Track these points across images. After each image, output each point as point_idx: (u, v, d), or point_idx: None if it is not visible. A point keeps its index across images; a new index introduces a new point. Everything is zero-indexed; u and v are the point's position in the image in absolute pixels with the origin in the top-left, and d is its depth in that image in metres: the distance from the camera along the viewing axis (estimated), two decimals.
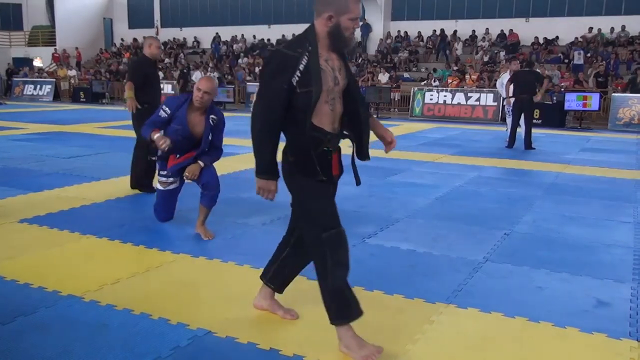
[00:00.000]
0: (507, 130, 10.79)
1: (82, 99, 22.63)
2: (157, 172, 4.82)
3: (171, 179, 4.68)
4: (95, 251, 4.13)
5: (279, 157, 2.60)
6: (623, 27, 20.72)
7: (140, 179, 6.13)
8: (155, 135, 4.42)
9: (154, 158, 4.84)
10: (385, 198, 6.05)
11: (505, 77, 11.34)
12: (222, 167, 7.65)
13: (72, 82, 25.37)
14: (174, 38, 29.95)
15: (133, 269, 3.74)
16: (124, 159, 8.25)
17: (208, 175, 4.58)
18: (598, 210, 5.69)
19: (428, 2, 24.58)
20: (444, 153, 9.52)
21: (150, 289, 3.44)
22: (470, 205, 5.80)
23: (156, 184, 4.83)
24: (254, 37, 27.44)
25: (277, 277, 3.04)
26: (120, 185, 6.36)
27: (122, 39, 31.32)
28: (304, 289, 3.35)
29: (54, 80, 24.74)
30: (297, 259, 2.99)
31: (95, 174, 7.06)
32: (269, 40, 27.16)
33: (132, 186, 6.20)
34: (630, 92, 15.66)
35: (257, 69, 23.35)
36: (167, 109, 4.50)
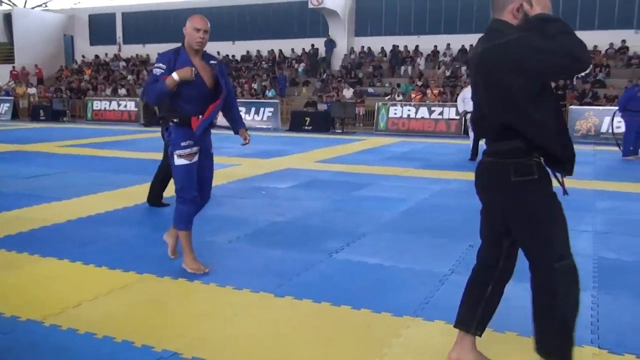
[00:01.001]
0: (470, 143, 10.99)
1: (42, 117, 22.17)
2: (172, 145, 3.96)
3: (195, 148, 3.95)
4: (56, 273, 4.03)
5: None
6: None
7: (158, 196, 6.27)
8: (175, 75, 3.73)
9: (172, 123, 3.95)
10: (352, 212, 6.07)
11: (467, 91, 11.56)
12: None
13: (32, 100, 24.84)
14: (137, 54, 29.67)
15: (96, 291, 3.66)
16: (85, 179, 8.12)
17: (208, 176, 4.13)
18: None
19: (390, 18, 24.97)
20: (409, 167, 9.63)
21: (113, 311, 3.37)
22: (436, 217, 5.87)
23: (179, 161, 3.94)
24: (218, 53, 27.37)
25: (484, 321, 2.67)
26: (82, 205, 6.24)
27: (83, 56, 30.88)
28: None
29: (12, 98, 24.18)
30: (501, 295, 2.69)
31: (56, 194, 6.90)
32: (233, 56, 27.15)
33: (152, 203, 6.26)
34: (584, 105, 16.15)
35: None
36: (161, 64, 3.83)
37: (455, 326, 2.64)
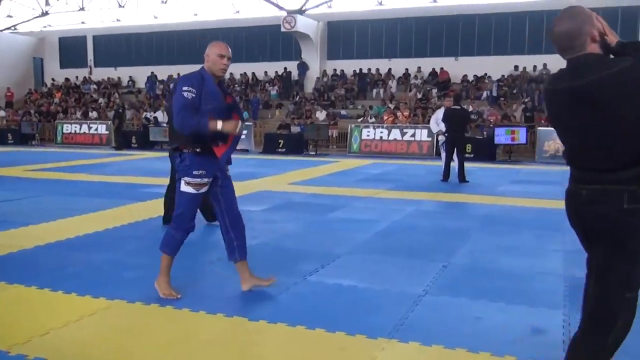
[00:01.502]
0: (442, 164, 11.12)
1: (9, 141, 21.75)
2: (182, 171, 3.82)
3: (206, 179, 3.83)
4: (23, 301, 3.92)
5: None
6: (545, 65, 21.98)
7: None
8: (220, 125, 3.63)
9: (189, 150, 3.79)
10: (326, 234, 6.07)
11: (439, 112, 11.75)
12: (159, 207, 7.50)
13: (0, 123, 24.39)
14: (108, 78, 29.45)
15: (65, 318, 3.56)
16: (54, 203, 7.96)
17: (233, 197, 4.00)
18: (530, 239, 5.90)
19: (362, 42, 25.32)
20: (382, 188, 9.68)
21: (83, 338, 3.28)
22: (409, 238, 5.90)
23: (185, 188, 3.82)
24: None
25: None
26: (51, 230, 6.11)
27: (53, 79, 30.50)
28: None
29: None
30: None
31: (24, 219, 6.74)
32: None
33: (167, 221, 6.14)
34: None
35: None
36: (192, 88, 3.68)
37: None
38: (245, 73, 26.22)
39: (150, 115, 22.22)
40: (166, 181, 10.43)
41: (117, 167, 13.43)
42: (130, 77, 29.07)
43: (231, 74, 26.77)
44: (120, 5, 28.72)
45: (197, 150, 3.77)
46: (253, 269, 4.70)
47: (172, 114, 3.73)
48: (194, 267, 4.78)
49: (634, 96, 2.20)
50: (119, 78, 29.46)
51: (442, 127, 10.73)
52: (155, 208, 7.47)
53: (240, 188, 9.45)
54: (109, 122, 21.01)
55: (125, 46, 29.57)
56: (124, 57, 29.42)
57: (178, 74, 27.16)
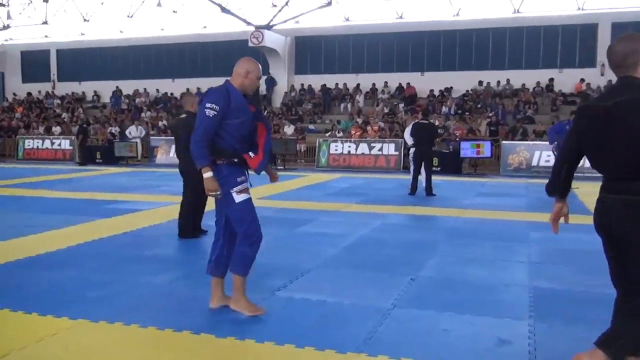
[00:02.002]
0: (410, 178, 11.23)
1: None
2: (226, 184, 3.80)
3: (247, 183, 3.88)
4: None
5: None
6: (508, 80, 22.50)
7: (187, 226, 6.53)
8: (207, 175, 3.69)
9: (223, 162, 3.80)
10: (294, 249, 6.05)
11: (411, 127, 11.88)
12: (125, 224, 7.38)
13: None
14: (72, 92, 28.96)
15: (24, 340, 3.46)
16: (15, 220, 7.75)
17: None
18: (495, 251, 5.99)
19: (330, 57, 25.51)
20: (350, 202, 9.72)
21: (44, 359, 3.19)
22: (377, 252, 5.92)
23: (240, 197, 3.81)
24: (158, 90, 27.13)
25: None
26: (11, 249, 5.93)
27: (14, 94, 29.83)
28: None
29: None
30: None
31: None
32: (172, 94, 26.95)
33: (182, 235, 6.52)
34: (516, 140, 16.90)
35: (160, 123, 22.97)
36: (215, 105, 3.69)
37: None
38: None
39: (116, 130, 21.92)
40: (132, 197, 10.30)
41: (81, 183, 13.17)
42: (95, 91, 28.63)
43: (198, 88, 26.65)
44: (84, 19, 28.34)
45: (235, 160, 3.81)
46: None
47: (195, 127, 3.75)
48: (158, 284, 4.70)
49: None
50: (83, 92, 28.99)
51: (409, 141, 10.86)
52: (121, 224, 7.35)
53: (208, 203, 9.36)
54: (73, 137, 20.63)
55: (90, 60, 29.13)
56: (88, 71, 28.97)
57: (144, 89, 27.00)
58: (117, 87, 27.34)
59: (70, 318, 3.82)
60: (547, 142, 15.89)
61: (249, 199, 3.88)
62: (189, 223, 6.58)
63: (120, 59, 28.35)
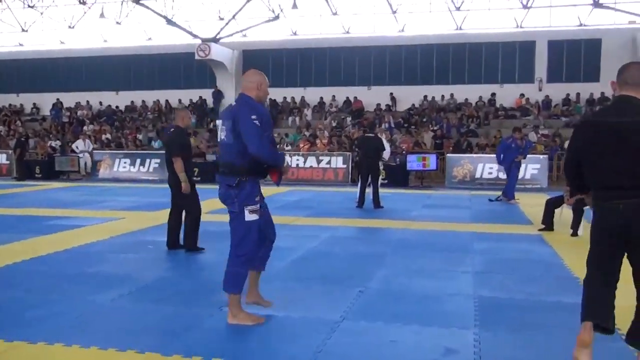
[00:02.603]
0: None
1: None
2: (244, 199, 3.90)
3: (259, 204, 3.99)
4: None
5: None
6: (452, 95, 23.12)
7: (176, 240, 6.59)
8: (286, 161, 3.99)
9: (244, 179, 3.90)
10: None
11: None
12: (66, 240, 7.13)
13: None
14: (10, 104, 27.87)
15: None
16: None
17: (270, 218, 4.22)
18: (441, 262, 6.09)
19: (277, 71, 25.55)
20: (299, 215, 9.71)
21: None
22: (326, 265, 5.93)
23: (250, 216, 3.91)
24: (101, 103, 26.47)
25: None
26: None
27: None
28: None
29: None
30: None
31: None
32: (117, 107, 26.35)
33: (171, 246, 6.57)
34: (460, 153, 17.37)
35: (104, 137, 22.39)
36: (259, 118, 3.80)
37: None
38: (158, 100, 25.72)
39: (57, 144, 21.21)
40: (74, 212, 9.97)
41: (19, 198, 12.66)
42: (34, 103, 27.68)
43: (143, 101, 26.17)
44: (23, 29, 27.43)
45: (258, 177, 3.96)
46: (166, 301, 4.57)
47: (249, 139, 3.76)
48: (100, 302, 4.55)
49: None
50: (21, 105, 27.96)
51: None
52: (61, 241, 7.10)
53: (153, 218, 9.18)
54: (10, 152, 19.81)
55: (29, 71, 28.12)
56: (27, 83, 27.96)
57: (87, 101, 26.28)
58: (57, 99, 26.52)
59: (6, 341, 3.65)
60: (491, 155, 16.46)
61: (258, 221, 3.98)
62: (196, 238, 6.58)
63: (61, 70, 27.51)
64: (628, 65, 3.14)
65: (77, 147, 19.69)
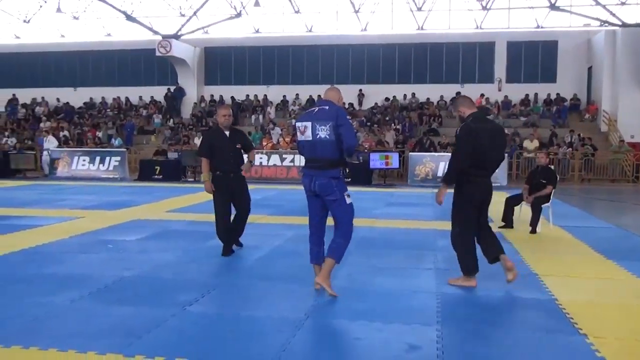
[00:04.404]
0: None
1: None
2: (343, 187, 4.65)
3: None
4: None
5: None
6: (413, 94, 23.39)
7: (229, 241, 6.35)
8: None
9: (341, 170, 4.66)
10: (205, 263, 5.93)
11: None
12: (21, 241, 6.92)
13: None
14: None
15: None
16: None
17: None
18: (404, 259, 6.16)
19: (240, 68, 25.41)
20: (263, 214, 9.66)
21: None
22: (290, 263, 5.91)
23: (349, 200, 4.68)
24: (58, 99, 25.81)
25: None
26: None
27: None
28: None
29: None
30: None
31: None
32: (69, 103, 25.71)
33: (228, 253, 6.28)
34: (422, 152, 17.60)
35: (62, 134, 21.83)
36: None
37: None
38: (118, 97, 25.24)
39: (12, 142, 20.58)
40: (31, 212, 9.68)
41: None
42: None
43: (102, 97, 25.64)
44: None
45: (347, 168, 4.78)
46: (127, 302, 4.50)
47: (349, 135, 4.53)
48: (58, 303, 4.44)
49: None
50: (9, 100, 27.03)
51: None
52: (15, 242, 6.89)
53: (113, 217, 9.01)
54: None
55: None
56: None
57: (42, 98, 25.57)
58: (13, 95, 25.75)
59: None
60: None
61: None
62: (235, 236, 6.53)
63: (16, 66, 26.71)
64: (462, 97, 5.38)
65: (47, 141, 19.05)
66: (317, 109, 4.68)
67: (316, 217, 4.78)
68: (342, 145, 4.51)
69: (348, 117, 4.74)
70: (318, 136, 4.56)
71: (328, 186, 4.57)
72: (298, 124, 4.73)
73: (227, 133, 6.28)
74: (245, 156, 6.53)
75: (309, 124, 4.62)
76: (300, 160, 17.39)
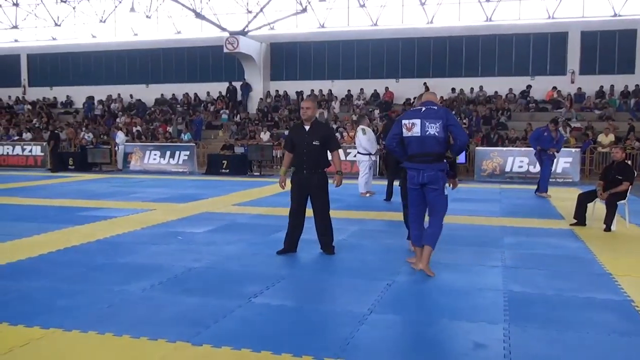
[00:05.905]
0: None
1: None
2: (445, 179, 5.20)
3: None
4: None
5: None
6: (481, 87, 22.81)
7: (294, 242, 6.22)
8: None
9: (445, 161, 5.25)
10: (270, 255, 6.02)
11: (360, 134, 11.99)
12: (97, 231, 7.27)
13: None
14: (44, 97, 28.48)
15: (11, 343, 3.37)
16: None
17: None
18: (470, 256, 6.04)
19: (305, 64, 25.57)
20: None
21: None
22: (354, 258, 5.92)
23: (446, 191, 5.23)
24: (131, 96, 26.85)
25: None
26: None
27: None
28: None
29: None
30: None
31: None
32: (147, 100, 26.69)
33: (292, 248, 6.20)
34: (489, 146, 17.15)
35: (134, 129, 22.71)
36: None
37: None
38: (187, 93, 25.98)
39: (89, 137, 21.59)
40: (105, 203, 10.12)
41: (53, 190, 12.94)
42: (67, 96, 28.21)
43: (173, 94, 26.45)
44: (56, 24, 27.95)
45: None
46: (195, 292, 4.63)
47: (461, 132, 5.08)
48: (132, 292, 4.63)
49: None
50: (54, 98, 28.53)
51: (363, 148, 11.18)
52: (93, 232, 7.24)
53: (182, 210, 9.30)
54: (44, 144, 20.26)
55: (61, 65, 28.70)
56: (60, 77, 28.54)
57: (118, 94, 26.68)
58: (90, 92, 26.97)
59: (42, 327, 3.75)
60: (521, 148, 16.21)
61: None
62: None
63: (93, 64, 27.98)
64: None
65: (118, 137, 19.86)
66: (424, 108, 5.05)
67: (420, 206, 5.28)
68: (455, 143, 5.04)
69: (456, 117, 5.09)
70: (427, 132, 4.97)
71: (436, 177, 5.06)
72: (404, 121, 5.08)
73: (307, 127, 6.02)
74: (329, 156, 6.16)
75: (417, 121, 5.01)
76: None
